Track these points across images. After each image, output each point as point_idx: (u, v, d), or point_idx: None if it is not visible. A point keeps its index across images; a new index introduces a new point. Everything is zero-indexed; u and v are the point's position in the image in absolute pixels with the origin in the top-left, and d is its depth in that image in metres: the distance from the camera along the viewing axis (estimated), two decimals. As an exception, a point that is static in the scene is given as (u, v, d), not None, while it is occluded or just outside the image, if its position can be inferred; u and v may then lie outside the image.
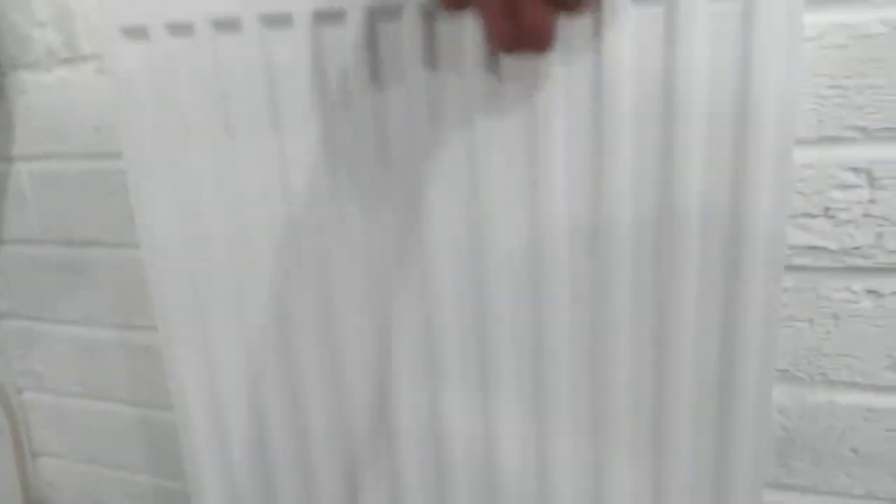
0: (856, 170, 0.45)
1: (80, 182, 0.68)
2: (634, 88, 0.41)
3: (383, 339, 0.49)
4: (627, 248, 0.43)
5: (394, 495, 0.53)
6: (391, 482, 0.53)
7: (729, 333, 0.43)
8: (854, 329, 0.48)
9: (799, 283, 0.48)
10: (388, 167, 0.46)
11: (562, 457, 0.48)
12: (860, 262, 0.47)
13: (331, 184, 0.48)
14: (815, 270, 0.48)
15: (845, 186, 0.45)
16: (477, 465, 0.50)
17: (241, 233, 0.51)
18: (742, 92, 0.39)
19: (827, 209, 0.46)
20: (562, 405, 0.47)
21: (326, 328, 0.51)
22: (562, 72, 0.41)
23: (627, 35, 0.40)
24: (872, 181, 0.45)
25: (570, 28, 0.40)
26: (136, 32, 0.48)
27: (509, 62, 0.42)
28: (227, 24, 0.47)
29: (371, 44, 0.44)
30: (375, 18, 0.44)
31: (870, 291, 0.47)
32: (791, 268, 0.48)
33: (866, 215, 0.46)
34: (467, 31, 0.42)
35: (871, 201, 0.45)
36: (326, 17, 0.44)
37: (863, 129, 0.44)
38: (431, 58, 0.43)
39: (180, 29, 0.47)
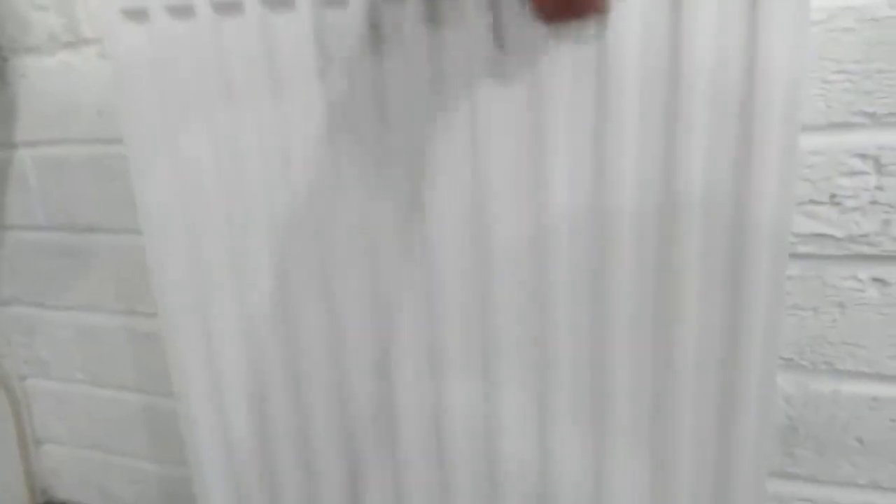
0: (863, 156, 0.44)
1: (83, 167, 0.68)
2: (639, 73, 0.40)
3: (385, 326, 0.49)
4: (631, 236, 0.43)
5: (396, 484, 0.53)
6: (394, 470, 0.53)
7: (733, 321, 0.43)
8: (859, 317, 0.47)
9: (804, 271, 0.48)
10: (390, 152, 0.46)
11: (564, 445, 0.48)
12: (866, 249, 0.46)
13: (333, 164, 0.47)
14: (820, 258, 0.47)
15: (852, 173, 0.45)
16: (479, 454, 0.50)
17: (242, 217, 0.51)
18: (748, 76, 0.38)
19: (833, 196, 0.46)
20: (564, 394, 0.47)
21: (328, 313, 0.51)
22: (567, 54, 0.41)
23: (634, 17, 0.39)
24: (880, 168, 0.44)
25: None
26: (137, 14, 0.48)
27: (516, 35, 0.41)
28: (227, 5, 0.46)
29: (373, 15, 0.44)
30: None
31: (876, 280, 0.46)
32: (796, 255, 0.48)
33: (873, 202, 0.45)
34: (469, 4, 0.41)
35: (878, 188, 0.45)
36: None
37: (871, 115, 0.44)
38: (434, 25, 0.43)
39: (181, 11, 0.47)
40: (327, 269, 0.49)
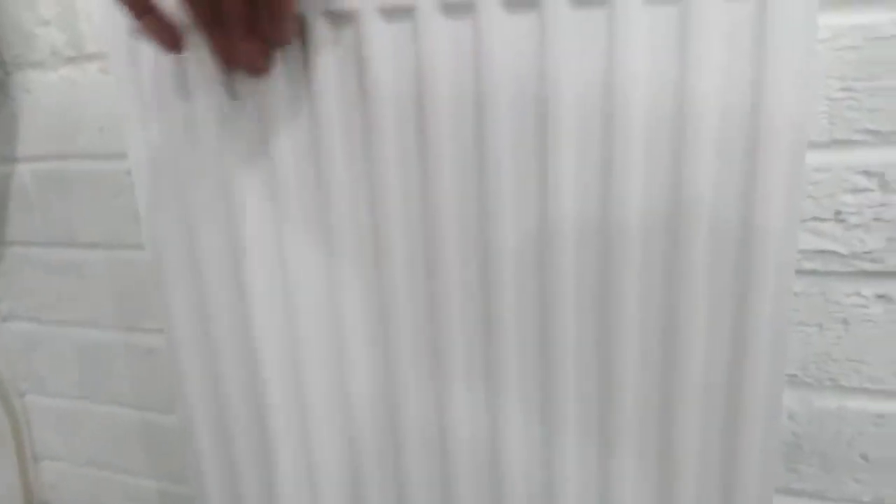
0: (868, 173, 0.45)
1: (84, 183, 0.67)
2: (645, 91, 0.40)
3: (388, 337, 0.49)
4: (637, 251, 0.43)
5: (399, 497, 0.53)
6: (396, 483, 0.52)
7: (739, 337, 0.42)
8: (864, 334, 0.48)
9: (808, 288, 0.48)
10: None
11: (567, 458, 0.47)
12: (870, 266, 0.46)
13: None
14: (824, 275, 0.47)
15: (856, 190, 0.45)
16: (482, 464, 0.50)
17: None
18: (755, 94, 0.39)
19: (837, 213, 0.46)
20: (568, 407, 0.47)
21: (330, 323, 0.51)
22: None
23: (637, 35, 0.39)
24: (884, 185, 0.44)
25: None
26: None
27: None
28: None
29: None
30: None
31: (880, 296, 0.47)
32: (801, 272, 0.48)
33: (877, 219, 0.45)
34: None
35: (883, 205, 0.45)
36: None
37: (875, 133, 0.44)
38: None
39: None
40: (330, 279, 0.49)
